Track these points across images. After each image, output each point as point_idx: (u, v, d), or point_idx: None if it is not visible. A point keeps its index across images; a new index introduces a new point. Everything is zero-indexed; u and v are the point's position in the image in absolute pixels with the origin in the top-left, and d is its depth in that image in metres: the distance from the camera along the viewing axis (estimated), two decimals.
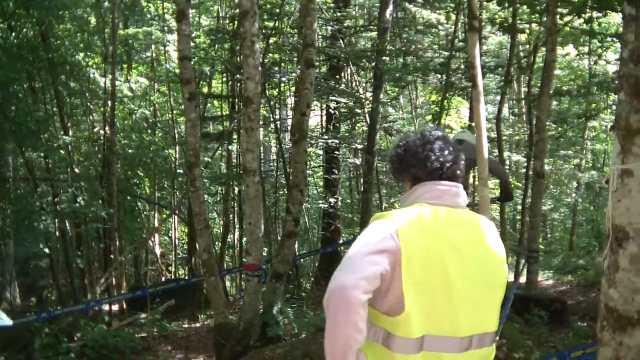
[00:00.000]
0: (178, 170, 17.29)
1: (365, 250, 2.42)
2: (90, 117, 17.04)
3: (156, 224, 19.68)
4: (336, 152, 15.76)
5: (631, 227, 3.03)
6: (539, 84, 11.85)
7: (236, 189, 17.19)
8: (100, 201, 14.75)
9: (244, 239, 15.75)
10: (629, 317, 3.07)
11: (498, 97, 19.48)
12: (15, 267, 19.60)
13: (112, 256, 14.48)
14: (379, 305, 2.48)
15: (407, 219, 2.54)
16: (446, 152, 2.74)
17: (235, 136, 16.03)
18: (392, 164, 2.88)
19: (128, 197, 17.05)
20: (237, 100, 15.37)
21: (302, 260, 16.26)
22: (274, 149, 20.42)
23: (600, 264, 12.02)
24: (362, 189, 16.23)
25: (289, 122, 17.97)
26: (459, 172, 2.78)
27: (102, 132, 15.57)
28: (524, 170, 14.68)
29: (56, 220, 13.96)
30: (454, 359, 2.55)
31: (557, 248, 20.62)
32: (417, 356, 2.47)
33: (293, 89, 15.30)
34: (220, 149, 17.58)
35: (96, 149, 16.20)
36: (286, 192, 15.88)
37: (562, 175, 21.27)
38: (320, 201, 15.13)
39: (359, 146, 16.39)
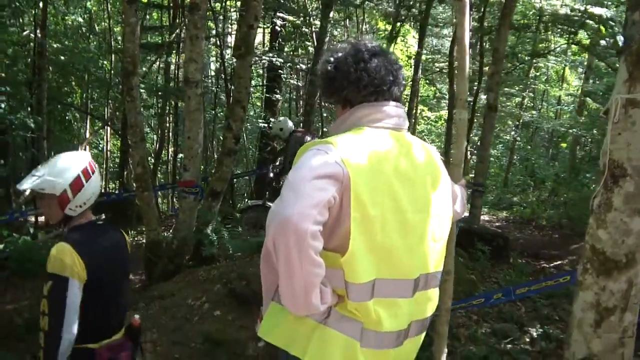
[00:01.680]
0: (113, 81, 16.59)
1: (308, 175, 2.06)
2: (20, 20, 16.11)
3: (87, 135, 19.00)
4: (279, 71, 15.32)
5: (630, 164, 2.76)
6: (494, 16, 11.63)
7: (173, 103, 16.65)
8: (29, 108, 14.07)
9: (180, 155, 15.38)
10: (617, 261, 2.78)
11: (445, 30, 19.33)
12: None
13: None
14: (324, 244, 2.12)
15: (350, 145, 2.20)
16: (383, 71, 2.39)
17: (175, 49, 15.42)
18: (322, 82, 2.52)
19: (59, 106, 16.34)
20: (179, 10, 14.68)
21: (236, 180, 15.94)
22: (213, 66, 19.81)
23: (534, 202, 12.20)
24: (302, 112, 15.93)
25: (230, 38, 17.43)
26: (399, 93, 2.46)
27: (32, 35, 14.73)
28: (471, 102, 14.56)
29: None
30: (407, 305, 2.31)
31: (491, 184, 20.88)
32: (368, 304, 2.19)
33: (239, 3, 14.63)
34: (158, 61, 16.92)
35: (25, 53, 15.34)
36: (225, 109, 15.45)
37: (504, 112, 21.32)
38: (260, 121, 14.72)
39: (303, 67, 16.00)
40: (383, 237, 2.18)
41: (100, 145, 22.08)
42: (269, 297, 2.45)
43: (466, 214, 9.94)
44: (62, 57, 15.16)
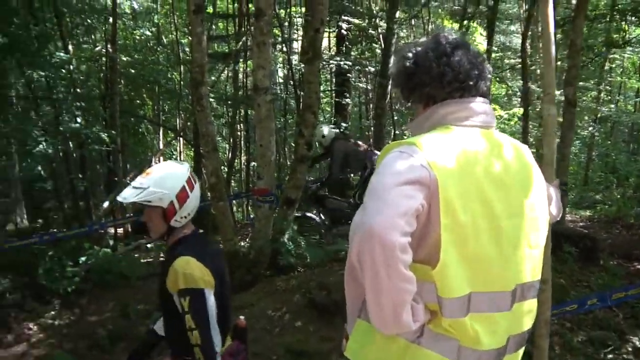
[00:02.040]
0: (183, 92, 16.77)
1: (393, 181, 1.87)
2: (92, 37, 16.47)
3: (161, 146, 19.28)
4: (348, 75, 15.18)
5: None
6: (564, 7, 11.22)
7: (243, 111, 16.71)
8: (103, 122, 14.34)
9: (253, 163, 15.41)
10: None
11: (513, 27, 18.86)
12: (21, 189, 19.43)
13: (116, 178, 14.12)
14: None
15: (437, 146, 2.00)
16: (467, 65, 2.17)
17: (242, 57, 15.48)
18: (400, 79, 2.29)
19: (132, 119, 16.60)
20: (244, 18, 14.72)
21: (311, 186, 15.87)
22: (280, 73, 19.83)
23: (620, 200, 11.57)
24: (373, 115, 15.73)
25: (297, 44, 17.40)
26: (485, 87, 2.23)
27: (103, 51, 15.02)
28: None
29: (59, 141, 13.51)
30: (505, 320, 2.08)
31: (570, 182, 20.16)
32: (463, 320, 1.98)
33: (303, 9, 14.57)
34: (226, 70, 17.01)
35: (98, 68, 15.67)
36: (295, 116, 15.40)
37: (580, 107, 20.61)
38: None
39: (372, 69, 15.82)
40: (476, 246, 1.96)
41: (174, 156, 22.38)
42: (354, 313, 2.27)
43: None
44: (133, 71, 15.42)
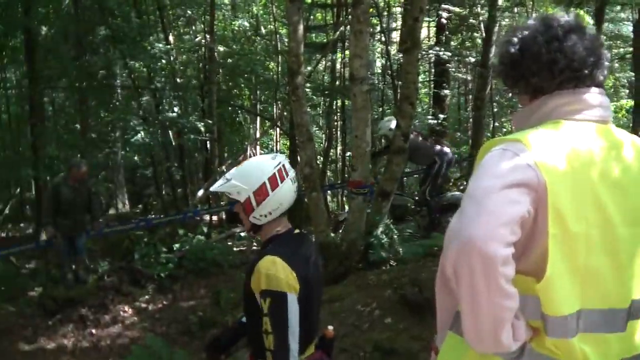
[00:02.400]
0: (280, 82, 16.82)
1: (496, 184, 1.64)
2: (192, 28, 16.74)
3: (257, 135, 19.43)
4: (447, 65, 14.82)
5: None
6: None
7: (340, 102, 16.61)
8: (201, 112, 14.54)
9: (348, 154, 15.29)
10: None
11: (623, 14, 17.94)
12: (123, 175, 20.09)
13: (212, 167, 14.30)
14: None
15: (546, 143, 1.74)
16: (583, 51, 1.86)
17: (339, 47, 15.37)
18: (504, 67, 2.02)
19: (229, 108, 16.78)
20: (342, 8, 14.58)
21: (405, 179, 15.59)
22: (379, 63, 19.61)
23: None
24: (471, 107, 15.31)
25: (395, 34, 17.14)
26: (602, 77, 1.94)
27: (202, 41, 15.23)
28: None
29: (158, 130, 13.79)
30: (617, 341, 1.81)
31: None
32: (571, 341, 1.73)
33: None
34: (323, 60, 16.93)
35: (196, 58, 15.90)
36: (392, 107, 15.17)
37: None
38: (429, 116, 14.30)
39: (472, 60, 15.40)
40: (588, 258, 1.71)
41: (270, 146, 22.55)
42: (445, 325, 2.05)
43: None
44: (230, 61, 15.56)
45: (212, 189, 2.92)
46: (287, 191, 2.75)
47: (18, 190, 20.79)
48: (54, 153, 12.99)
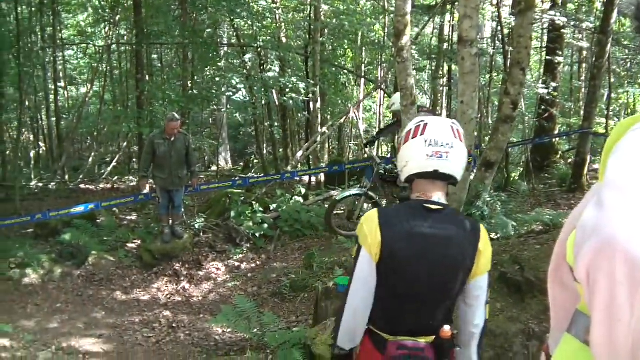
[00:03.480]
0: (386, 44, 16.42)
1: None
2: None
3: (360, 98, 19.13)
4: (562, 31, 14.01)
5: None
6: None
7: (446, 66, 16.06)
8: (304, 72, 14.38)
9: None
10: None
11: None
12: (227, 133, 20.35)
13: (313, 128, 14.16)
14: None
15: None
16: None
17: (449, 9, 14.81)
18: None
19: (332, 69, 16.53)
20: None
21: (510, 149, 14.96)
22: (488, 27, 18.83)
23: None
24: (585, 76, 14.46)
25: None
26: None
27: (308, 0, 14.99)
28: None
29: (261, 89, 13.74)
30: None
31: None
32: None
33: None
34: (431, 22, 16.39)
35: (302, 18, 15.70)
36: (501, 73, 14.53)
37: None
38: (540, 85, 13.57)
39: (590, 25, 14.51)
40: None
41: (373, 109, 22.23)
42: (560, 325, 1.71)
43: None
44: (335, 21, 15.27)
45: None
46: (415, 150, 2.53)
47: (125, 144, 21.41)
48: (159, 109, 13.16)
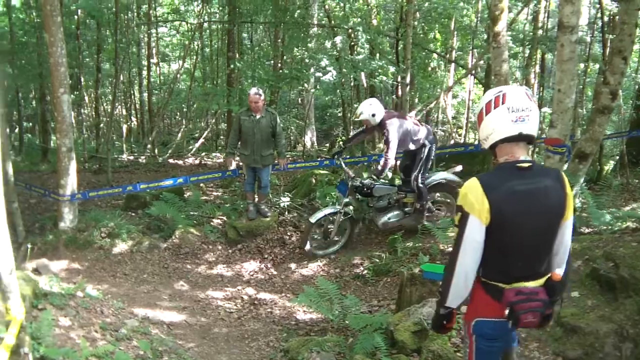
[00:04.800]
0: (479, 29, 16.06)
1: None
2: None
3: (450, 83, 18.81)
4: None
5: None
6: None
7: (540, 54, 15.58)
8: (395, 54, 14.22)
9: (544, 110, 14.42)
10: None
11: None
12: (314, 114, 20.42)
13: (402, 111, 14.01)
14: None
15: None
16: None
17: None
18: None
19: (423, 53, 16.27)
20: None
21: (605, 141, 14.38)
22: (585, 14, 18.11)
23: None
24: None
25: None
26: None
27: None
28: None
29: (350, 70, 13.66)
30: None
31: None
32: None
33: None
34: (527, 8, 15.90)
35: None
36: (599, 62, 13.98)
37: None
38: None
39: None
40: None
41: (462, 95, 21.84)
42: None
43: None
44: (428, 4, 15.00)
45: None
46: (499, 118, 2.88)
47: (213, 121, 21.77)
48: (248, 87, 13.30)
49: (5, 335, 3.05)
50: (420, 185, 8.43)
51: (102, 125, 19.46)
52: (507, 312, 2.89)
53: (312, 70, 14.25)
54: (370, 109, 8.13)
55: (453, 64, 18.98)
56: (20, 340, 3.21)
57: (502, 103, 2.87)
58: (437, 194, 8.90)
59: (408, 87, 13.32)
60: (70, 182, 8.80)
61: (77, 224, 8.92)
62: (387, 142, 8.04)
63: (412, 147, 8.36)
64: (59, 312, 5.26)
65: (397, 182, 9.15)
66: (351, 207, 8.75)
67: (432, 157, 8.57)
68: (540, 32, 15.07)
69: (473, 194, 2.83)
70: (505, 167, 2.93)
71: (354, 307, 6.08)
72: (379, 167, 8.27)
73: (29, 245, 8.37)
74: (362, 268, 7.98)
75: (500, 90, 2.93)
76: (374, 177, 8.53)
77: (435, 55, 18.01)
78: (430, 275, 5.35)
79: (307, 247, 8.64)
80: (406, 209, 8.71)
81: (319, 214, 8.61)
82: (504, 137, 2.88)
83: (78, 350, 4.51)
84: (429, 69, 18.92)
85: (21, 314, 3.17)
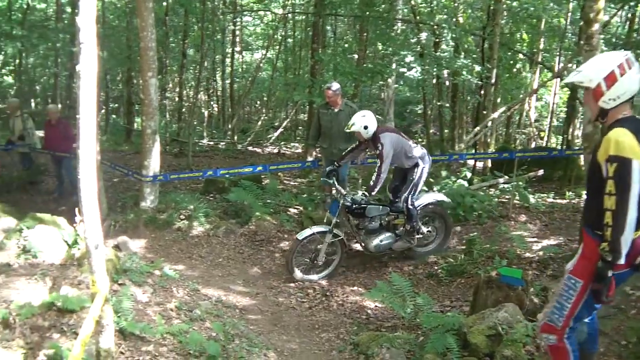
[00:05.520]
0: (568, 31, 15.63)
1: None
2: None
3: (535, 86, 18.39)
4: None
5: None
6: None
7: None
8: (480, 53, 13.99)
9: None
10: None
11: None
12: (394, 110, 20.31)
13: (484, 112, 13.76)
14: None
15: None
16: None
17: None
18: None
19: (509, 53, 15.95)
20: None
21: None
22: None
23: None
24: None
25: None
26: None
27: None
28: None
29: (434, 68, 13.50)
30: None
31: None
32: None
33: None
34: (623, 10, 15.36)
35: None
36: None
37: None
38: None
39: None
40: None
41: (546, 98, 21.33)
42: None
43: None
44: (516, 4, 14.68)
45: (567, 80, 3.59)
46: (632, 79, 3.17)
47: (293, 111, 21.91)
48: (330, 79, 13.31)
49: (91, 306, 3.13)
50: (410, 206, 7.92)
51: (184, 109, 19.85)
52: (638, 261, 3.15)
53: (394, 65, 14.16)
54: (363, 121, 7.68)
55: (539, 66, 18.55)
56: (103, 312, 3.29)
57: (632, 66, 3.17)
58: (427, 216, 8.37)
59: (493, 88, 13.09)
60: (153, 164, 9.02)
61: (157, 205, 9.14)
62: (380, 157, 7.58)
63: (406, 164, 7.95)
64: (137, 288, 5.40)
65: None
66: (342, 230, 8.11)
67: (424, 179, 8.08)
68: (635, 34, 14.58)
69: (629, 140, 3.01)
70: (631, 119, 3.18)
71: (426, 306, 5.99)
72: (371, 183, 7.73)
73: (112, 223, 8.61)
74: (436, 267, 7.88)
75: (624, 54, 3.22)
76: (367, 193, 7.84)
77: (520, 56, 17.64)
78: (507, 279, 5.25)
79: (292, 267, 7.77)
80: (397, 231, 8.13)
81: (307, 232, 7.87)
82: (630, 96, 3.19)
83: (154, 327, 4.61)
84: (514, 69, 18.55)
85: (106, 288, 3.25)
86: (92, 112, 2.97)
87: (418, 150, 7.92)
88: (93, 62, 2.95)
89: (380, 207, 8.09)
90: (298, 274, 7.75)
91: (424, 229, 8.24)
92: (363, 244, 8.12)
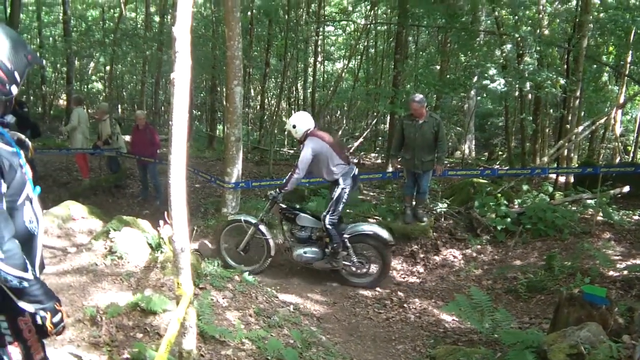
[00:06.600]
0: None
1: None
2: None
3: (621, 100, 17.88)
4: None
5: None
6: None
7: None
8: (564, 65, 13.74)
9: None
10: None
11: None
12: (474, 122, 20.15)
13: (568, 126, 13.48)
14: None
15: None
16: None
17: None
18: None
19: (594, 65, 15.57)
20: None
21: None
22: None
23: None
24: None
25: None
26: None
27: None
28: None
29: (517, 80, 13.33)
30: None
31: None
32: None
33: None
34: None
35: (566, 10, 14.94)
36: None
37: None
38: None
39: None
40: None
41: (633, 112, 20.68)
42: None
43: None
44: (603, 15, 14.33)
45: None
46: None
47: (374, 121, 21.98)
48: (411, 90, 13.32)
49: (176, 308, 3.26)
50: (329, 226, 7.71)
51: (265, 118, 20.17)
52: None
53: (476, 77, 14.05)
54: (293, 120, 7.85)
55: (626, 79, 18.01)
56: (187, 314, 3.42)
57: None
58: (362, 245, 8.07)
59: (577, 101, 12.82)
60: (236, 171, 9.24)
61: (238, 211, 9.31)
62: (299, 157, 7.61)
63: (326, 176, 7.82)
64: (217, 292, 5.57)
65: None
66: (266, 228, 8.22)
67: (344, 201, 7.79)
68: None
69: None
70: None
71: (504, 322, 5.95)
72: (284, 180, 7.79)
73: (195, 228, 8.86)
74: (515, 282, 7.79)
75: None
76: (278, 190, 7.82)
77: (607, 69, 17.20)
78: (590, 297, 5.16)
79: (220, 247, 8.17)
80: (326, 250, 7.97)
81: (237, 216, 8.28)
82: None
83: (234, 331, 4.77)
84: (600, 82, 18.07)
85: (191, 290, 3.38)
86: (184, 120, 3.09)
87: (343, 168, 7.76)
88: (187, 71, 3.05)
89: (313, 219, 8.05)
90: (226, 257, 8.13)
91: (354, 258, 7.98)
92: (289, 250, 8.13)
